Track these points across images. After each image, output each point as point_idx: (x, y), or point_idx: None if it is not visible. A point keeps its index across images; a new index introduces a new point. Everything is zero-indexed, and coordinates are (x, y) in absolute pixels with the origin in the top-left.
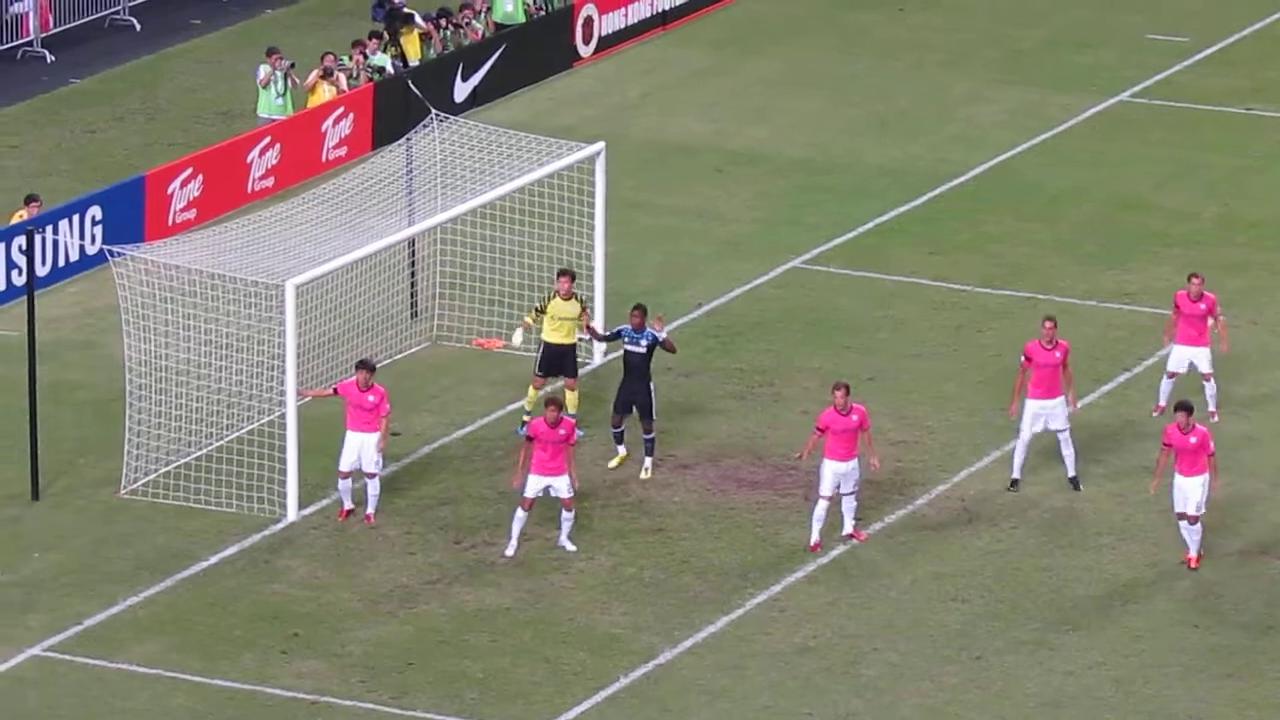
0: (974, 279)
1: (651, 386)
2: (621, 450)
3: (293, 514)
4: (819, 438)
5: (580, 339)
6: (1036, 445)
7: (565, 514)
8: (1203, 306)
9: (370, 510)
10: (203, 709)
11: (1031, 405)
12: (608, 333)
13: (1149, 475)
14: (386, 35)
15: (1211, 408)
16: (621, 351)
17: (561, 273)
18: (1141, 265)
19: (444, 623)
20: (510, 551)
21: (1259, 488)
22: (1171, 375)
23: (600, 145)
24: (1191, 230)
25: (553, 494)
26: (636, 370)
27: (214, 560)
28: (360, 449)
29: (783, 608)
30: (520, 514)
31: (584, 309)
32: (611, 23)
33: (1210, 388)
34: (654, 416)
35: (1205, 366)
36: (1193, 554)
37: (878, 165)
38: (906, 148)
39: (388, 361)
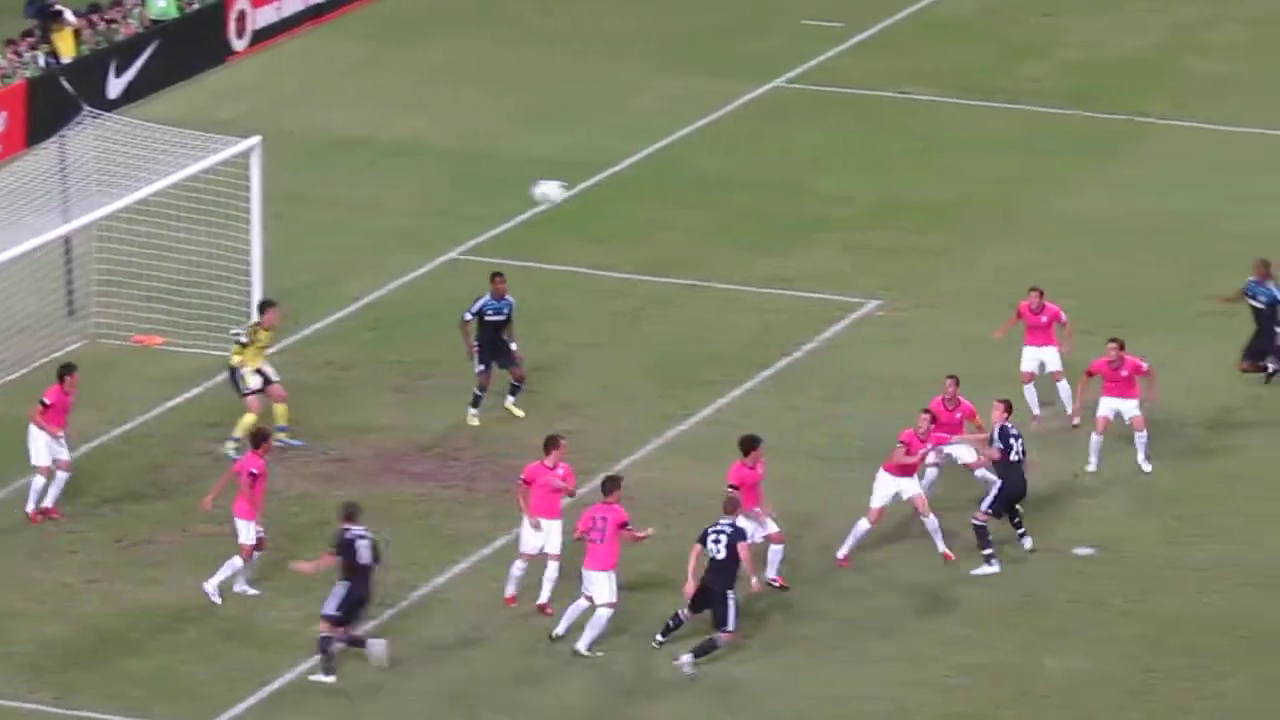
0: (635, 267)
1: (513, 343)
2: (475, 413)
3: None
4: (524, 489)
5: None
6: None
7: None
8: (1044, 319)
9: (51, 503)
10: None
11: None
12: (468, 316)
13: (806, 457)
14: (39, 32)
15: (1069, 409)
16: None
17: (268, 304)
18: (800, 250)
19: (109, 621)
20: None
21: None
22: (1029, 377)
23: (256, 139)
24: (849, 214)
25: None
26: (497, 334)
27: None
28: (49, 445)
29: (446, 599)
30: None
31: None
32: (265, 16)
33: (1064, 388)
34: (521, 365)
35: (1055, 365)
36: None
37: (536, 155)
38: (566, 136)
39: (45, 360)
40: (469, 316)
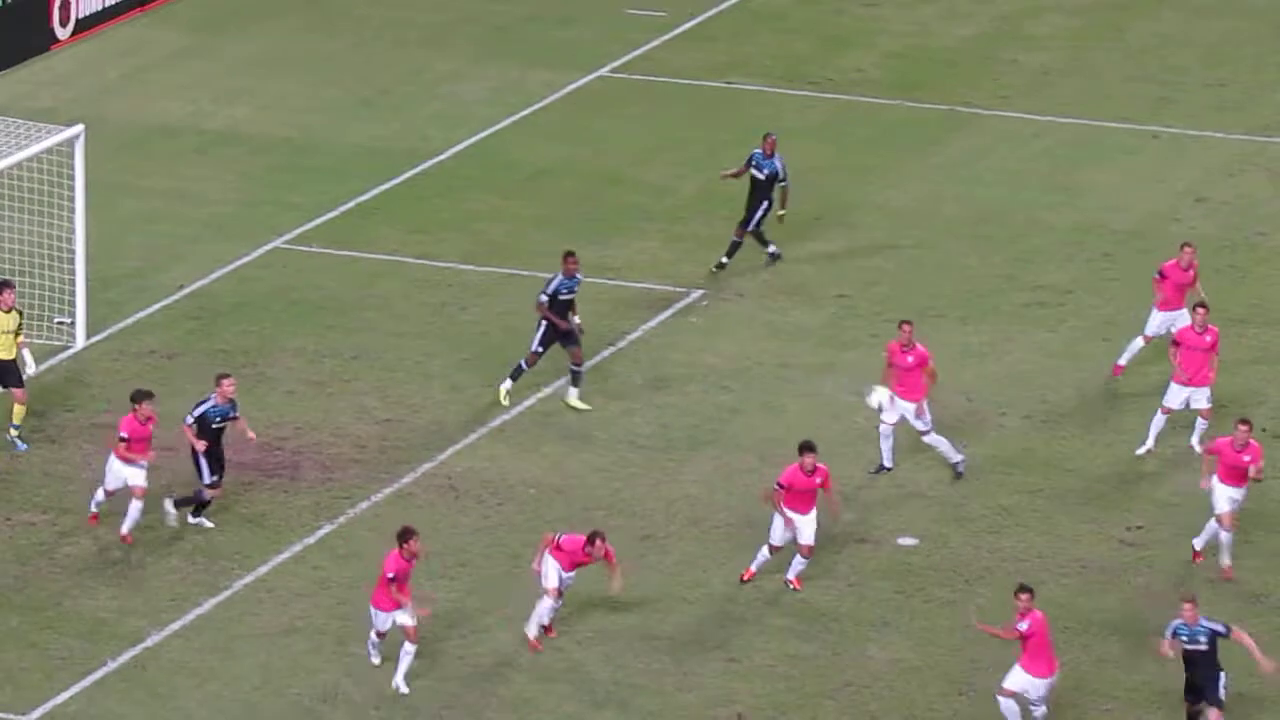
0: (457, 256)
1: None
2: (509, 387)
3: None
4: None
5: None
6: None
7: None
8: (1207, 338)
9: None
10: None
11: (898, 403)
12: (543, 298)
13: (629, 445)
14: None
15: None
16: None
17: (2, 284)
18: (624, 240)
19: None
20: None
21: (747, 460)
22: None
23: (79, 128)
24: (672, 205)
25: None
26: (568, 313)
27: None
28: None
29: (271, 588)
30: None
31: (21, 323)
32: (89, 4)
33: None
34: (580, 346)
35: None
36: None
37: (359, 144)
38: (388, 126)
39: None
40: (544, 298)
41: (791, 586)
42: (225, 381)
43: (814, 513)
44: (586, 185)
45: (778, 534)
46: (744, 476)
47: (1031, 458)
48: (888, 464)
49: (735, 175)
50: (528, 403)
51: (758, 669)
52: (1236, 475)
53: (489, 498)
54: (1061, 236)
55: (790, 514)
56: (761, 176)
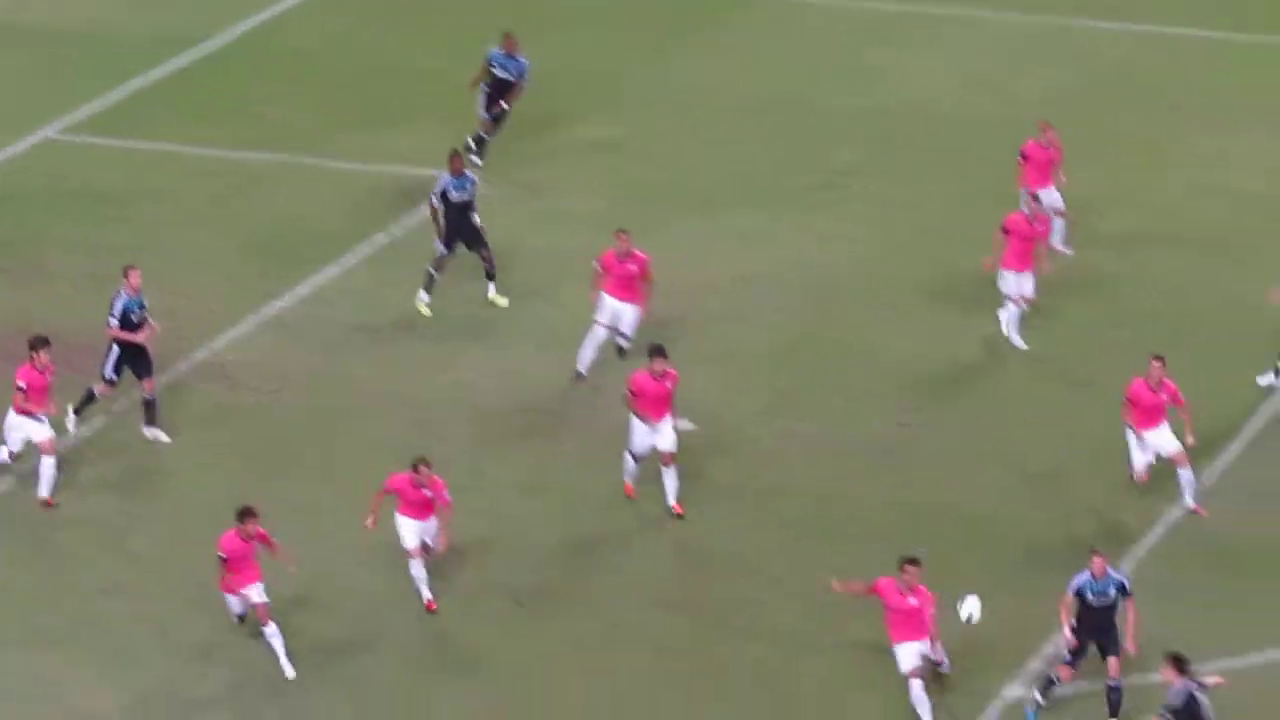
0: (235, 144)
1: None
2: (428, 299)
3: None
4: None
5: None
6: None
7: None
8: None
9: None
10: None
11: (608, 301)
12: (434, 200)
13: (412, 335)
14: None
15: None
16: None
17: None
18: (399, 127)
19: None
20: None
21: (523, 349)
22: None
23: None
24: (445, 91)
25: None
26: (464, 213)
27: None
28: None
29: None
30: None
31: None
32: None
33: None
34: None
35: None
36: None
37: (130, 32)
38: (163, 12)
39: None
40: (434, 199)
41: (674, 513)
42: (133, 273)
43: (669, 418)
44: (362, 71)
45: (637, 441)
46: (520, 364)
47: (810, 341)
48: (584, 370)
49: (475, 82)
50: (300, 290)
51: (529, 555)
52: (1156, 415)
53: (263, 385)
54: (845, 120)
55: (645, 420)
56: (510, 77)
